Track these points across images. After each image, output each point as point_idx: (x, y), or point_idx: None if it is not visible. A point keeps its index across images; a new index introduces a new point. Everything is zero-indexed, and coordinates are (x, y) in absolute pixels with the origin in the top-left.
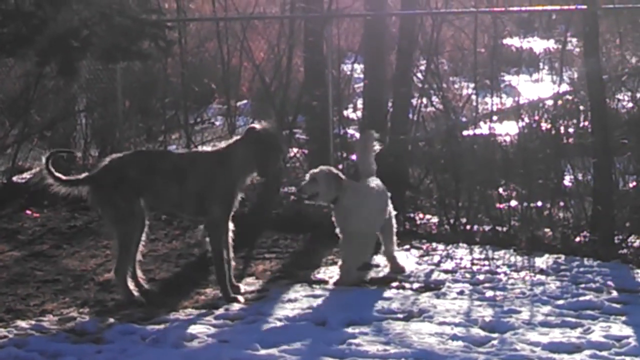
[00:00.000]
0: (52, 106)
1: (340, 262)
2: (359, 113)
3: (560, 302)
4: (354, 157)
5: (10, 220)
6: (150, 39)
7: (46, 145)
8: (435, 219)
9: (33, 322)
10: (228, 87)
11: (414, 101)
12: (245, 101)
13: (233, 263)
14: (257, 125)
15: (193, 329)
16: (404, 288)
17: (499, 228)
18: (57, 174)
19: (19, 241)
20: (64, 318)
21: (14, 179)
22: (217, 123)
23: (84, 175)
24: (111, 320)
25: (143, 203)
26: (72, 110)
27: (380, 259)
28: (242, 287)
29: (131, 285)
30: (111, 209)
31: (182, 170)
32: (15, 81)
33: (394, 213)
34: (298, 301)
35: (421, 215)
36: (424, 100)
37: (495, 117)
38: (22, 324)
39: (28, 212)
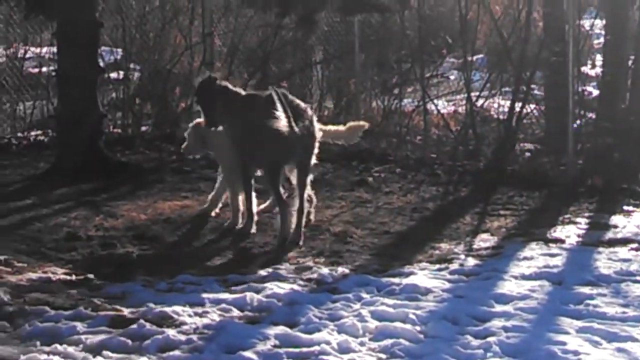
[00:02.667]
0: (289, 57)
1: None
2: (598, 70)
3: None
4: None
5: None
6: None
7: None
8: None
9: (270, 270)
10: (465, 41)
11: None
12: (481, 55)
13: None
14: None
15: (428, 283)
16: None
17: None
18: None
19: (258, 191)
20: (301, 267)
21: None
22: (452, 77)
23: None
24: (346, 270)
25: None
26: (308, 61)
27: (618, 219)
28: None
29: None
30: None
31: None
32: (254, 32)
33: None
34: (534, 259)
35: None
36: None
37: None
38: (260, 271)
39: None
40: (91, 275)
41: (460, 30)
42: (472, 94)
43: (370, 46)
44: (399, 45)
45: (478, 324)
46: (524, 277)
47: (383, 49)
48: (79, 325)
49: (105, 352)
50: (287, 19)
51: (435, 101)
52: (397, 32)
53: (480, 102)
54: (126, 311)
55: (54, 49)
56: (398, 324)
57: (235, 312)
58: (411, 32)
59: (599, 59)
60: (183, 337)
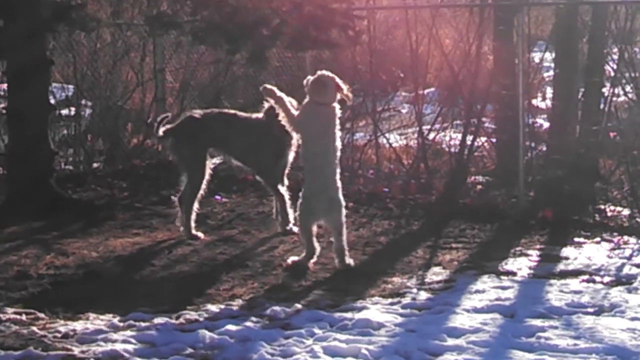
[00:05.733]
0: (241, 93)
1: None
2: (548, 102)
3: None
4: None
5: (200, 205)
6: (340, 28)
7: None
8: (626, 212)
9: (223, 306)
10: (416, 75)
11: (605, 91)
12: (432, 89)
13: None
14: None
15: (380, 318)
16: (594, 282)
17: None
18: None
19: (208, 226)
20: (253, 303)
21: None
22: (404, 111)
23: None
24: (299, 306)
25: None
26: (260, 97)
27: (569, 251)
28: None
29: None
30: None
31: None
32: (205, 68)
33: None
34: (486, 292)
35: (612, 208)
36: (617, 90)
37: None
38: (213, 307)
39: (217, 197)
40: (42, 314)
41: (411, 64)
42: (424, 127)
43: None
44: (350, 80)
45: (430, 359)
46: (476, 311)
47: None
48: None
49: None
50: (238, 55)
51: (387, 135)
52: (348, 67)
53: (431, 135)
54: (77, 350)
55: (5, 86)
56: None
57: (188, 350)
58: (362, 67)
59: (549, 91)
60: None
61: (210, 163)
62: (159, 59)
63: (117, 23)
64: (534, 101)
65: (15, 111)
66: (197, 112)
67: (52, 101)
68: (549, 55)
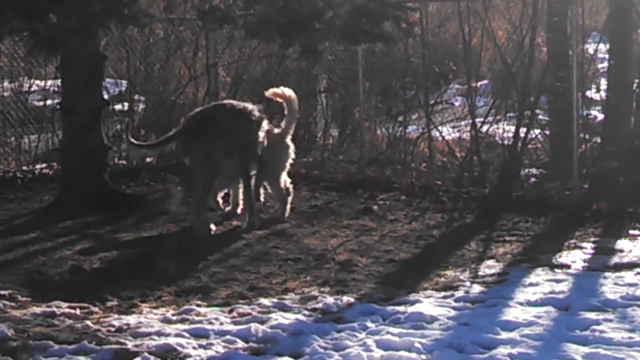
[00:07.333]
0: (294, 87)
1: None
2: (602, 93)
3: None
4: None
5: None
6: (393, 20)
7: None
8: None
9: (275, 300)
10: (469, 68)
11: None
12: (485, 81)
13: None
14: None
15: (433, 311)
16: None
17: None
18: (141, 143)
19: (261, 220)
20: (305, 297)
21: None
22: (457, 103)
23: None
24: (351, 299)
25: None
26: (313, 90)
27: (623, 244)
28: None
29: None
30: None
31: None
32: (258, 62)
33: None
34: (539, 285)
35: None
36: None
37: None
38: (265, 301)
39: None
40: (95, 309)
41: (464, 56)
42: (477, 119)
43: (375, 74)
44: (403, 73)
45: (484, 352)
46: (530, 304)
47: (387, 76)
48: None
49: None
50: (291, 49)
51: (439, 128)
52: (401, 60)
53: (484, 128)
54: (130, 344)
55: (59, 82)
56: (403, 353)
57: (240, 344)
58: (415, 59)
59: (603, 83)
60: None
61: None
62: (212, 54)
63: (169, 18)
64: (588, 93)
65: (69, 106)
66: None
67: (106, 96)
68: (603, 47)
